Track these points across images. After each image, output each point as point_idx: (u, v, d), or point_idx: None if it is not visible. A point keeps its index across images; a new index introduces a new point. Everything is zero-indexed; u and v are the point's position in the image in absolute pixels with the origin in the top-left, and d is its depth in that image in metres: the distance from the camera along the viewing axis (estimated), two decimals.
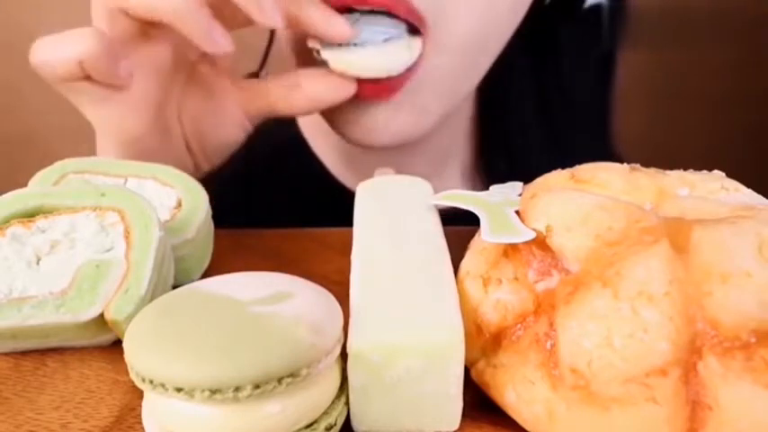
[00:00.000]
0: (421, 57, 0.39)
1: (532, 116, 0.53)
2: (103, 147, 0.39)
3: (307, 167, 0.54)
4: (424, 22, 0.38)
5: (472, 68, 0.43)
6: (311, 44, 0.39)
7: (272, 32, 0.55)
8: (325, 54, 0.39)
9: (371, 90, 0.39)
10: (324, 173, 0.54)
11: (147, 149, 0.38)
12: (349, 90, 0.39)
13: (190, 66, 0.40)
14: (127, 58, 0.35)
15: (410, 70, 0.39)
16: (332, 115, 0.43)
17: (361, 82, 0.39)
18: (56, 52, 0.34)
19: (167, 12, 0.33)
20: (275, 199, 0.53)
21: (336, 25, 0.36)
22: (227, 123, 0.41)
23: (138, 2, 0.34)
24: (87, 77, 0.34)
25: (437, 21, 0.38)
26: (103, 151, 0.39)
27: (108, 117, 0.37)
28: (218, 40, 0.34)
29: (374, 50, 0.38)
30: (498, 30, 0.42)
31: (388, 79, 0.39)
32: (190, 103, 0.40)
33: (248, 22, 0.36)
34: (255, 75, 0.57)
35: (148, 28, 0.36)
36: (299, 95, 0.39)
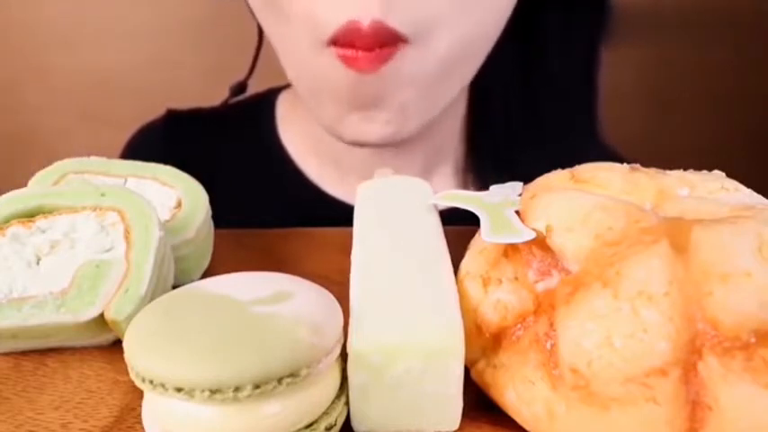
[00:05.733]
0: (403, 59, 0.39)
1: (519, 112, 0.53)
2: None
3: (285, 174, 0.54)
4: (407, 39, 0.39)
5: (456, 73, 0.44)
6: None
7: (260, 40, 0.55)
8: None
9: (363, 61, 0.39)
10: (303, 180, 0.54)
11: None
12: None
13: None
14: None
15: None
16: (326, 116, 0.43)
17: (352, 57, 0.39)
18: None
19: None
20: (256, 206, 0.53)
21: None
22: None
23: None
24: None
25: (420, 39, 0.39)
26: None
27: None
28: None
29: None
30: (483, 41, 0.43)
31: (380, 49, 0.39)
32: None
33: None
34: (243, 84, 0.57)
35: None
36: None
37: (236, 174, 0.55)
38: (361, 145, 0.44)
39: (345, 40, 0.39)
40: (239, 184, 0.54)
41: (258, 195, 0.54)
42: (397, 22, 0.38)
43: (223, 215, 0.39)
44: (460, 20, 0.40)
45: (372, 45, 0.38)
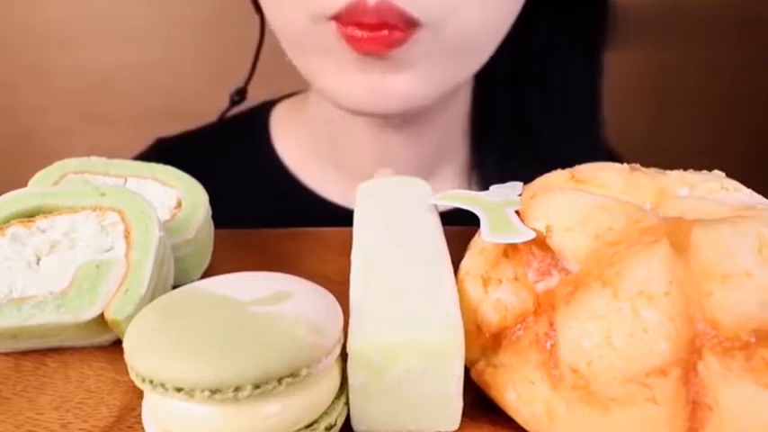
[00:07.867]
0: (413, 44, 0.39)
1: (519, 112, 0.53)
2: None
3: (284, 187, 0.54)
4: (419, 23, 0.38)
5: (466, 59, 0.43)
6: None
7: (260, 46, 0.54)
8: None
9: (371, 43, 0.38)
10: (304, 191, 0.54)
11: None
12: None
13: None
14: None
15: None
16: (334, 84, 0.42)
17: (360, 39, 0.38)
18: None
19: None
20: (245, 209, 0.53)
21: None
22: None
23: None
24: None
25: (432, 23, 0.38)
26: None
27: None
28: None
29: None
30: (495, 31, 0.43)
31: (389, 33, 0.38)
32: None
33: None
34: (243, 90, 0.56)
35: None
36: None
37: (232, 193, 0.55)
38: (370, 115, 0.43)
39: (350, 19, 0.38)
40: (235, 203, 0.54)
41: (255, 211, 0.54)
42: (405, 3, 0.37)
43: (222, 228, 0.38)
44: (475, 5, 0.39)
45: (378, 25, 0.37)
